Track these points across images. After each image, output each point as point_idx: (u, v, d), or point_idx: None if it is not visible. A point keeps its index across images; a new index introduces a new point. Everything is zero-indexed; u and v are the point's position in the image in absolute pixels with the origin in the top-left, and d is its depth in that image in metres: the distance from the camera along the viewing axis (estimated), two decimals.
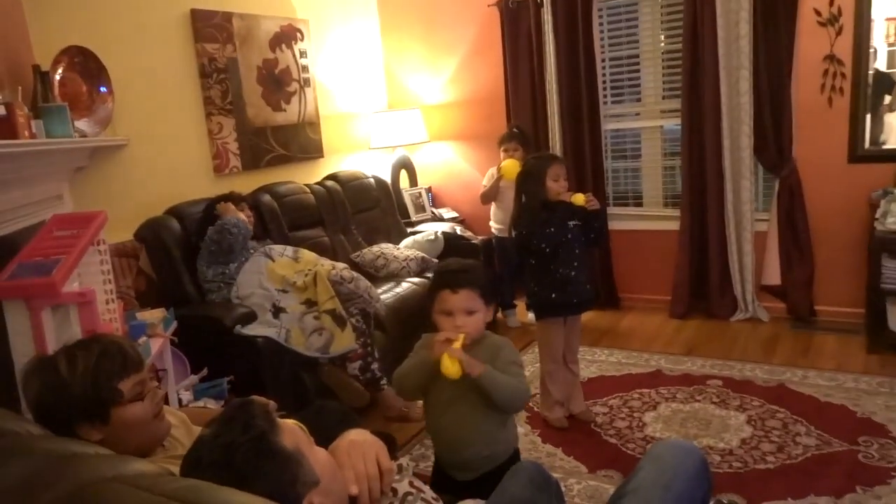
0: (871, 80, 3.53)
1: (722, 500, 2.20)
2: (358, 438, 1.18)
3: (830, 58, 3.53)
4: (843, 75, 3.53)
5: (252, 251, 3.03)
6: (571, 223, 2.69)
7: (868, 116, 3.56)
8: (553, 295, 2.71)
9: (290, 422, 1.05)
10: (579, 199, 2.62)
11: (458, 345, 1.68)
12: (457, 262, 1.92)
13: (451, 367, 1.67)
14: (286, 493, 0.93)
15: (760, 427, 2.69)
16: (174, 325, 2.48)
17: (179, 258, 3.01)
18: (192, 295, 3.00)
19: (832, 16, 3.50)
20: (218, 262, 2.98)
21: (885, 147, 3.59)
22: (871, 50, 3.50)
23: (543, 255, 2.69)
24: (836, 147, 3.62)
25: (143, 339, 2.15)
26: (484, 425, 1.78)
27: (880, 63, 3.53)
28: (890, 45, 3.51)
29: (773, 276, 3.83)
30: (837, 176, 3.64)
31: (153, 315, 2.39)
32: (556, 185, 2.66)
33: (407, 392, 1.89)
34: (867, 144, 3.59)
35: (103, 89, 2.83)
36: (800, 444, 2.54)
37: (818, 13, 3.52)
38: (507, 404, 1.79)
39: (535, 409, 2.97)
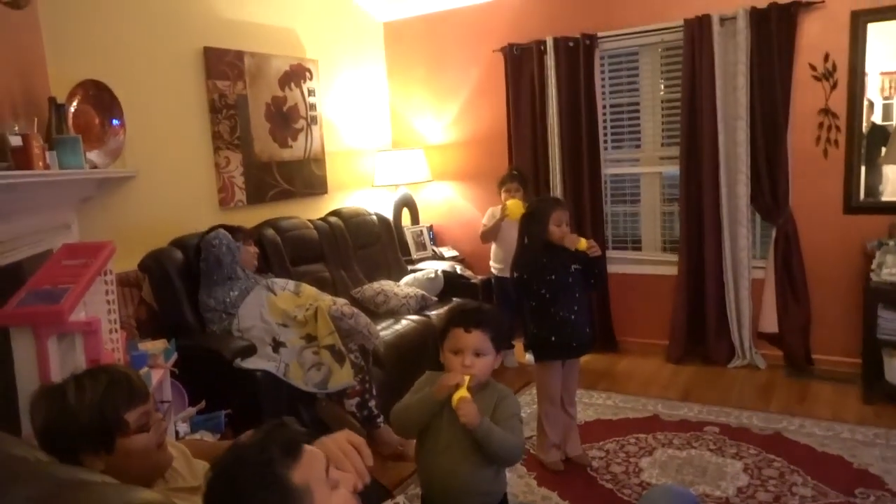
0: (867, 132, 3.61)
1: None
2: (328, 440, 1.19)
3: (825, 111, 3.62)
4: (837, 128, 3.61)
5: (255, 283, 3.06)
6: (573, 267, 2.72)
7: (863, 168, 3.64)
8: (552, 338, 2.73)
9: (316, 453, 1.05)
10: (582, 244, 2.65)
11: (464, 388, 1.67)
12: (474, 303, 1.95)
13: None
14: None
15: (757, 476, 2.68)
16: (175, 356, 2.49)
17: (182, 289, 3.04)
18: (192, 326, 3.01)
19: (827, 70, 3.60)
20: (215, 286, 2.99)
21: (880, 199, 3.66)
22: (867, 103, 3.59)
23: (543, 298, 2.71)
24: (832, 197, 3.68)
25: (144, 369, 2.16)
26: (478, 474, 1.75)
27: (877, 116, 3.62)
28: (885, 98, 3.61)
29: (770, 324, 3.85)
30: (833, 226, 3.70)
31: (155, 346, 2.40)
32: (558, 229, 2.69)
33: (405, 428, 1.85)
34: (862, 195, 3.65)
35: (115, 122, 2.90)
36: (796, 494, 2.53)
37: (813, 68, 3.62)
38: (501, 459, 1.77)
39: (532, 451, 2.95)
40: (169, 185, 3.34)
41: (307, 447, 1.03)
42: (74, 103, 2.73)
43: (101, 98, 2.84)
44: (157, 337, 2.60)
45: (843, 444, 2.90)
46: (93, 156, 2.76)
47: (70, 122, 2.67)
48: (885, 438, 2.93)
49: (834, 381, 3.60)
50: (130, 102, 2.99)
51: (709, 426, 3.14)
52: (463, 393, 1.68)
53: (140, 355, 2.22)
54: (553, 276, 2.69)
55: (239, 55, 3.71)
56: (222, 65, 3.61)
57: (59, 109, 2.54)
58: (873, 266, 3.35)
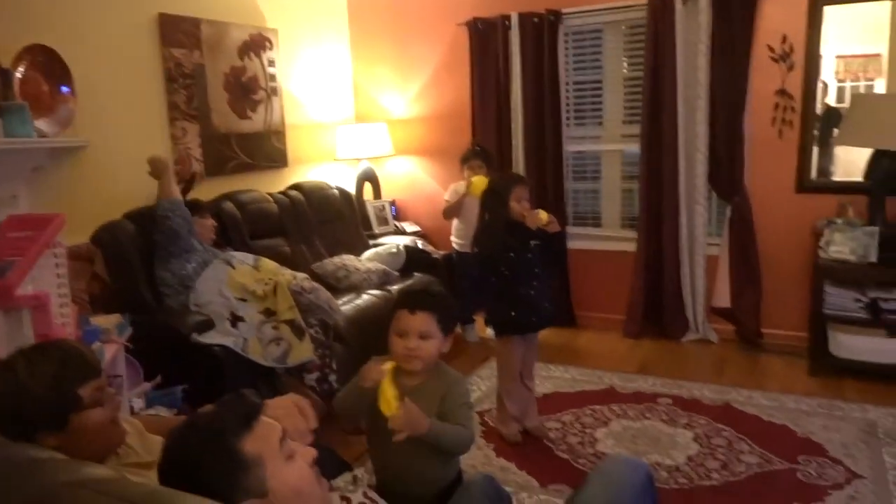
0: (821, 113, 3.71)
1: None
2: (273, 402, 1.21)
3: (782, 92, 3.70)
4: (792, 109, 3.70)
5: (213, 257, 3.01)
6: (532, 243, 2.74)
7: (816, 149, 3.74)
8: (513, 313, 2.76)
9: (272, 425, 1.05)
10: (542, 217, 2.66)
11: (393, 403, 1.56)
12: (422, 284, 1.91)
13: (386, 404, 1.56)
14: (222, 493, 0.94)
15: (706, 445, 2.78)
16: (129, 331, 2.44)
17: (136, 263, 2.97)
18: (148, 301, 2.96)
19: (784, 52, 3.67)
20: (172, 258, 2.93)
21: (831, 179, 3.77)
22: (822, 85, 3.68)
23: (504, 275, 2.74)
24: (785, 177, 3.78)
25: (97, 344, 2.12)
26: (430, 462, 1.71)
27: (831, 98, 3.72)
28: (840, 80, 3.70)
29: (724, 299, 3.97)
30: (786, 205, 3.80)
31: (108, 320, 2.35)
32: (518, 206, 2.70)
33: (343, 418, 1.76)
34: (814, 175, 3.76)
35: (65, 89, 2.79)
36: (743, 461, 2.64)
37: (771, 49, 3.69)
38: (453, 451, 1.75)
39: (491, 423, 3.00)
40: (123, 155, 3.24)
41: (264, 419, 1.03)
42: (21, 69, 2.63)
43: (49, 65, 2.73)
44: (111, 312, 2.55)
45: (789, 414, 3.02)
46: (42, 124, 2.66)
47: (17, 88, 2.57)
48: (828, 408, 3.07)
49: (782, 355, 3.74)
50: (81, 69, 2.88)
51: (662, 398, 3.24)
52: (392, 408, 1.55)
53: (92, 330, 2.18)
54: (513, 254, 2.71)
55: (196, 23, 3.60)
56: (178, 32, 3.50)
57: (4, 75, 2.44)
58: (821, 244, 3.46)
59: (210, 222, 3.16)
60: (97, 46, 3.10)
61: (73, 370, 1.26)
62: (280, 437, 1.04)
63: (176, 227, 2.92)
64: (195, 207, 3.10)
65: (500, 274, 2.74)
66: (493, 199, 2.78)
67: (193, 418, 1.03)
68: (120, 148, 3.22)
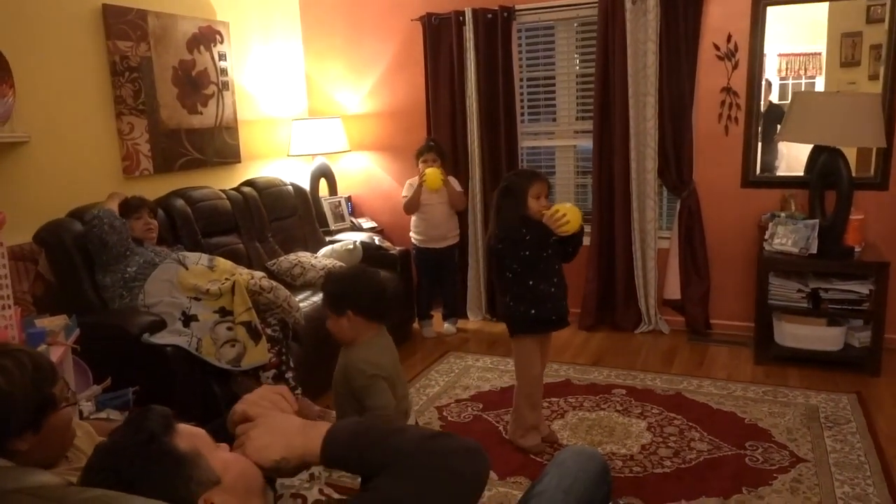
0: (764, 110, 3.84)
1: (619, 502, 2.32)
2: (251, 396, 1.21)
3: (727, 90, 3.82)
4: (738, 106, 3.82)
5: (164, 257, 2.93)
6: (551, 239, 2.56)
7: (760, 145, 3.86)
8: (532, 311, 2.60)
9: (192, 428, 1.05)
10: (573, 223, 2.48)
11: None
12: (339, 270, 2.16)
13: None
14: (177, 493, 0.93)
15: (659, 433, 2.85)
16: (76, 332, 2.37)
17: (81, 263, 2.87)
18: (93, 302, 2.86)
19: (729, 51, 3.78)
20: (108, 265, 2.85)
21: (775, 174, 3.90)
22: (765, 83, 3.81)
23: (520, 272, 2.59)
24: (731, 172, 3.90)
25: (42, 347, 2.05)
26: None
27: (774, 95, 3.85)
28: (782, 78, 3.83)
29: (674, 291, 4.07)
30: (732, 199, 3.92)
31: (53, 322, 2.27)
32: (537, 203, 2.55)
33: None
34: (759, 171, 3.89)
35: (1, 83, 2.68)
36: (693, 448, 2.72)
37: (717, 48, 3.79)
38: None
39: (450, 418, 3.01)
40: (66, 151, 3.13)
41: (179, 423, 1.03)
42: None
43: None
44: (56, 313, 2.46)
45: (736, 401, 3.13)
46: None
47: None
48: (773, 395, 3.18)
49: (730, 345, 3.86)
50: (19, 61, 2.78)
51: (616, 389, 3.31)
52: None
53: (37, 332, 2.10)
54: (527, 252, 2.56)
55: (142, 14, 3.50)
56: (123, 24, 3.40)
57: None
58: (766, 237, 3.59)
59: (144, 222, 3.02)
60: (38, 38, 2.98)
61: (44, 372, 1.28)
62: (205, 434, 1.05)
63: (102, 236, 2.80)
64: (128, 208, 2.98)
65: (514, 270, 2.58)
66: (508, 198, 2.58)
67: (110, 446, 0.99)
68: (63, 143, 3.11)
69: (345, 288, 2.03)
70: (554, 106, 4.38)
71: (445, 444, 1.02)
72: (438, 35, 4.33)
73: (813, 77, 3.78)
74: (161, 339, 2.65)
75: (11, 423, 1.21)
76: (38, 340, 2.07)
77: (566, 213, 2.49)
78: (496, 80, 4.21)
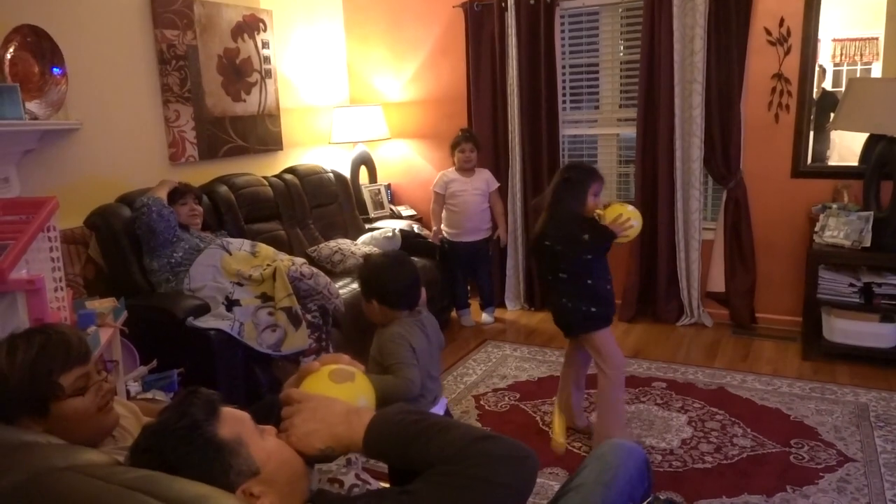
0: (817, 98, 3.70)
1: (660, 497, 2.29)
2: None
3: (778, 76, 3.69)
4: (789, 93, 3.69)
5: (209, 243, 2.99)
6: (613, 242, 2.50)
7: (812, 133, 3.73)
8: (593, 309, 2.52)
9: (237, 412, 1.06)
10: (639, 220, 2.47)
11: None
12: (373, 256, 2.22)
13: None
14: (217, 482, 0.94)
15: (700, 428, 2.80)
16: (124, 315, 2.43)
17: (129, 247, 2.95)
18: (141, 285, 2.94)
19: (781, 35, 3.65)
20: (156, 251, 2.92)
21: (827, 164, 3.77)
22: (819, 69, 3.67)
23: (578, 272, 2.51)
24: (781, 162, 3.78)
25: (91, 328, 2.11)
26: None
27: (827, 82, 3.70)
28: (836, 65, 3.68)
29: (718, 284, 3.98)
30: (781, 190, 3.80)
31: (103, 304, 2.34)
32: (594, 201, 2.49)
33: None
34: (810, 160, 3.76)
35: (56, 71, 2.76)
36: (736, 444, 2.66)
37: (768, 32, 3.66)
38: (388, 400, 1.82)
39: (487, 407, 3.00)
40: (116, 138, 3.21)
41: (224, 407, 1.04)
42: (11, 50, 2.59)
43: (39, 45, 2.70)
44: (105, 296, 2.54)
45: (782, 397, 3.05)
46: (32, 106, 2.64)
47: (7, 69, 2.53)
48: (821, 392, 3.09)
49: (775, 339, 3.76)
50: (72, 50, 2.85)
51: (657, 381, 3.26)
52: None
53: (87, 314, 2.17)
54: (592, 255, 2.49)
55: (188, 3, 3.55)
56: (170, 13, 3.46)
57: None
58: (816, 229, 3.47)
59: (190, 208, 3.07)
60: (88, 27, 3.06)
61: (52, 358, 1.24)
62: (250, 418, 1.05)
63: (150, 223, 2.86)
64: (174, 194, 3.04)
65: (568, 272, 2.51)
66: (568, 191, 2.48)
67: (156, 427, 1.00)
68: (113, 130, 3.19)
69: (370, 277, 2.09)
70: (597, 93, 4.30)
71: (492, 450, 0.98)
72: (480, 22, 4.29)
73: (869, 63, 3.62)
74: (205, 322, 2.71)
75: (6, 402, 1.20)
76: (89, 322, 2.13)
77: (630, 218, 2.44)
78: (538, 68, 4.15)
